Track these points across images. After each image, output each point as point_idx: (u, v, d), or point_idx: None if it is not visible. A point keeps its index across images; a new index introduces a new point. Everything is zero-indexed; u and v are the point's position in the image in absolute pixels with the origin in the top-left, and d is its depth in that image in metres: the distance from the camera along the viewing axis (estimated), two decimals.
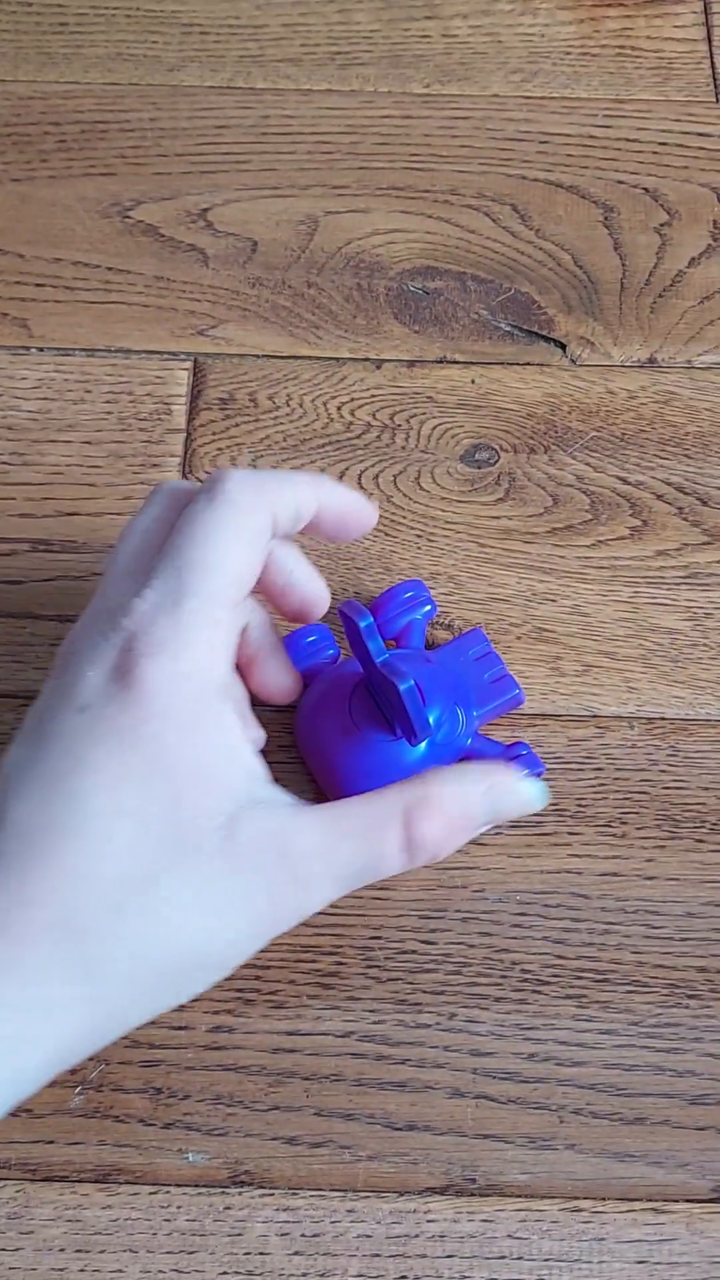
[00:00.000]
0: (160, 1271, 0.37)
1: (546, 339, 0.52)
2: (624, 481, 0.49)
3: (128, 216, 0.54)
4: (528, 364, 0.51)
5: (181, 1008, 0.40)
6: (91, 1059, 0.39)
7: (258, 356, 0.51)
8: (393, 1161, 0.38)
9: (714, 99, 0.57)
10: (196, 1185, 0.38)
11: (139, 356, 0.51)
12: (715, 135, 0.57)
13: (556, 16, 0.59)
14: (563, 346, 0.51)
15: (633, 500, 0.49)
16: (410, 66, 0.58)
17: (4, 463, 0.49)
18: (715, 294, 0.53)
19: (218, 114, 0.57)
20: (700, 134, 0.57)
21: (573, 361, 0.51)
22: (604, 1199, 0.38)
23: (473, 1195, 0.38)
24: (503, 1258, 0.37)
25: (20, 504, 0.48)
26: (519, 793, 0.35)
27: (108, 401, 0.50)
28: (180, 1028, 0.40)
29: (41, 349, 0.51)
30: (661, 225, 0.54)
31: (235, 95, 0.57)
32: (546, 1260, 0.37)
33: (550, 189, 0.55)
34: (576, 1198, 0.38)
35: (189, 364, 0.51)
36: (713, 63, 0.58)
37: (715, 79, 0.58)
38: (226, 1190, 0.38)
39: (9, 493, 0.48)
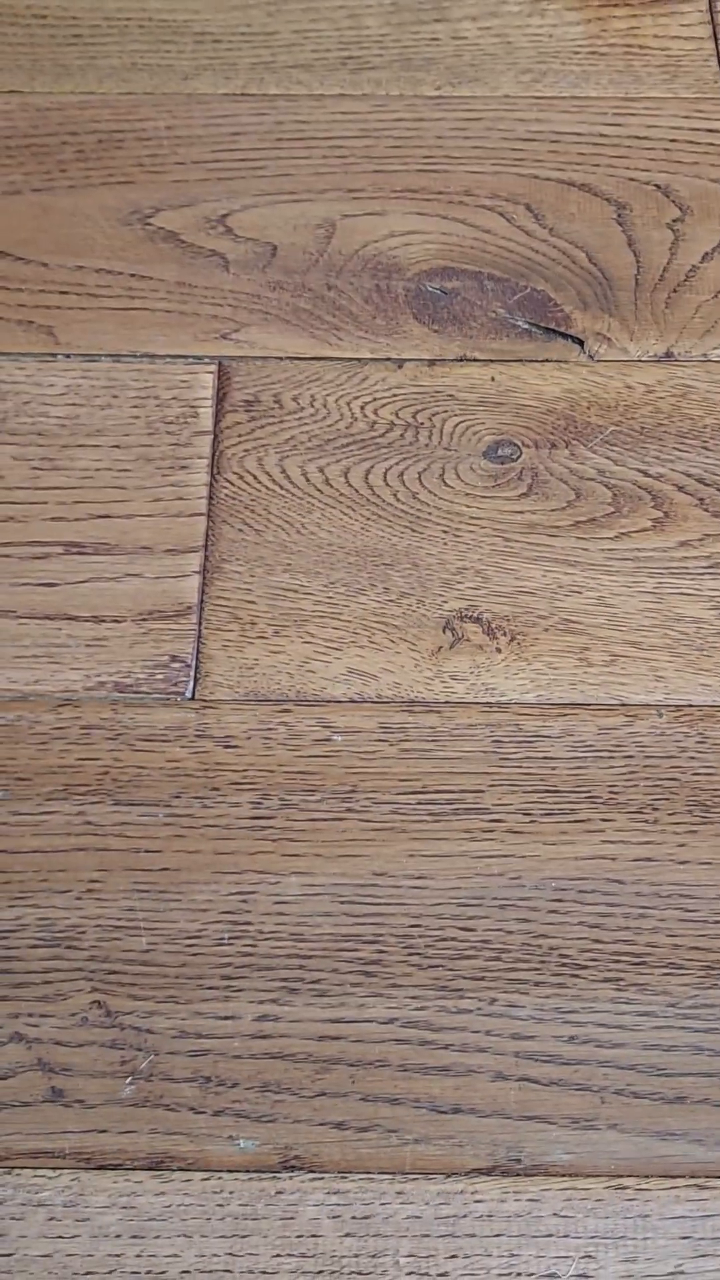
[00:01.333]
0: (215, 1256, 0.37)
1: (564, 335, 0.53)
2: (645, 474, 0.50)
3: (148, 224, 0.55)
4: (546, 360, 0.52)
5: (227, 998, 0.41)
6: (140, 1049, 0.40)
7: (280, 359, 0.52)
8: (439, 1144, 0.39)
9: None
10: (248, 1171, 0.39)
11: (164, 361, 0.52)
12: None
13: (564, 17, 0.60)
14: (580, 343, 0.52)
15: (654, 492, 0.49)
16: (421, 69, 0.59)
17: (35, 468, 0.50)
18: None
19: (232, 121, 0.58)
20: (710, 130, 0.58)
21: (590, 357, 0.52)
22: (647, 1176, 0.39)
23: (518, 1175, 0.39)
24: (549, 1236, 0.38)
25: (52, 508, 0.49)
26: None
27: (135, 406, 0.51)
28: (227, 1018, 0.40)
29: (68, 355, 0.52)
30: (674, 221, 0.55)
31: (249, 102, 0.58)
32: (592, 1238, 0.38)
33: (563, 187, 0.56)
34: (620, 1175, 0.39)
35: (213, 367, 0.52)
36: (719, 60, 0.59)
37: None
38: (277, 1175, 0.39)
39: (41, 497, 0.49)
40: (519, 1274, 0.38)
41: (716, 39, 0.60)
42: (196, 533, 0.48)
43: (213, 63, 0.59)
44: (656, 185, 0.56)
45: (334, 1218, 0.38)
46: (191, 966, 0.41)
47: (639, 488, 0.49)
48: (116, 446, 0.50)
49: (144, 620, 0.47)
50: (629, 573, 0.48)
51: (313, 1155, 0.39)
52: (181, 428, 0.50)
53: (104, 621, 0.47)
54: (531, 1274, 0.38)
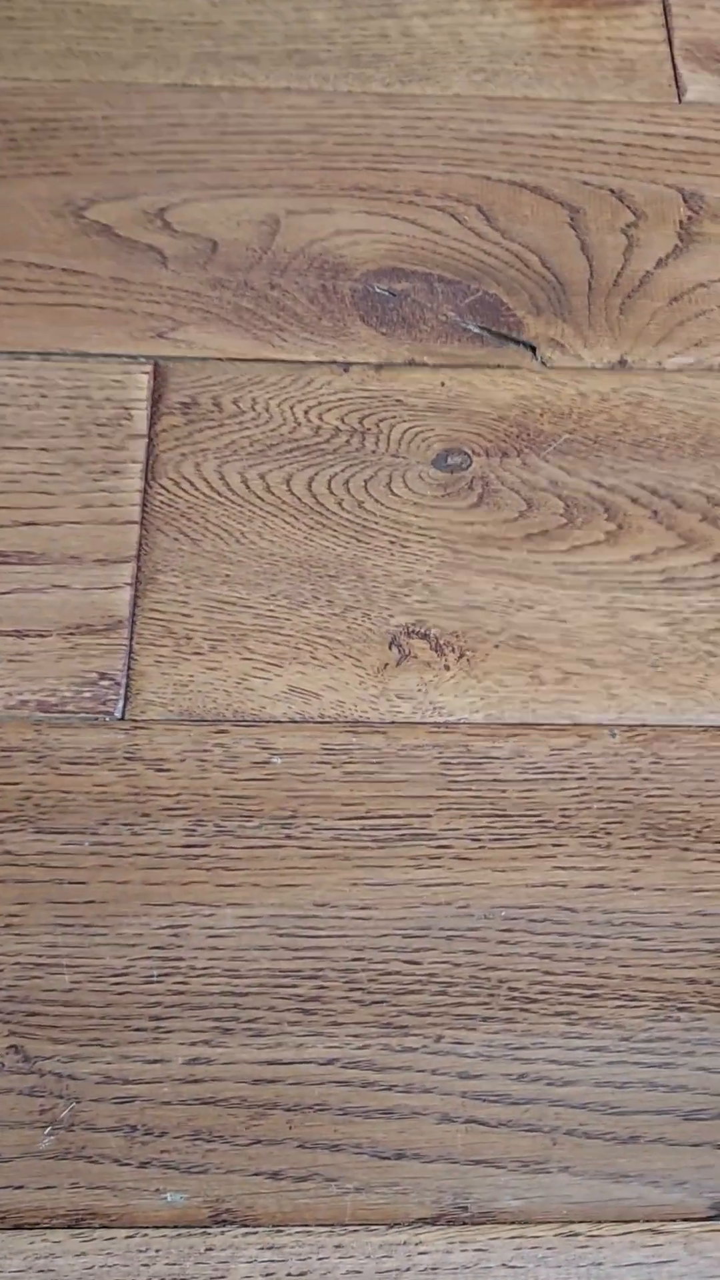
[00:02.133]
0: None
1: (516, 341, 0.51)
2: (598, 485, 0.48)
3: (82, 216, 0.52)
4: (498, 366, 0.50)
5: (156, 1040, 0.38)
6: (61, 1096, 0.37)
7: (221, 360, 0.50)
8: (381, 1192, 0.37)
9: (676, 100, 0.57)
10: (176, 1226, 0.36)
11: (97, 360, 0.49)
12: (679, 136, 0.56)
13: (517, 16, 0.58)
14: (533, 349, 0.51)
15: (607, 504, 0.48)
16: (370, 65, 0.57)
17: None
18: (684, 295, 0.52)
19: (173, 112, 0.55)
20: (664, 134, 0.56)
21: (543, 363, 0.50)
22: (600, 1221, 0.37)
23: (465, 1224, 0.37)
24: None
25: None
26: None
27: (64, 406, 0.48)
28: (155, 1061, 0.38)
29: None
30: (628, 226, 0.54)
31: (191, 93, 0.56)
32: None
33: (515, 189, 0.54)
34: (572, 1221, 0.37)
35: (149, 367, 0.49)
36: (674, 64, 0.58)
37: (677, 81, 0.57)
38: (208, 1230, 0.36)
39: None
40: None
41: (671, 43, 0.58)
42: (129, 542, 0.46)
43: (153, 52, 0.56)
44: (611, 190, 0.55)
45: (268, 1275, 0.36)
46: (118, 1006, 0.38)
47: (592, 499, 0.48)
48: (44, 449, 0.47)
49: (71, 635, 0.44)
50: (582, 587, 0.46)
51: (246, 1208, 0.36)
52: (114, 430, 0.48)
53: (28, 636, 0.44)
54: None
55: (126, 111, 0.55)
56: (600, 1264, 0.36)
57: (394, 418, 0.49)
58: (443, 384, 0.50)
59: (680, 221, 0.54)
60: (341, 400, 0.49)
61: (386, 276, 0.52)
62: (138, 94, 0.55)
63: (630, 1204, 0.37)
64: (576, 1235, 0.37)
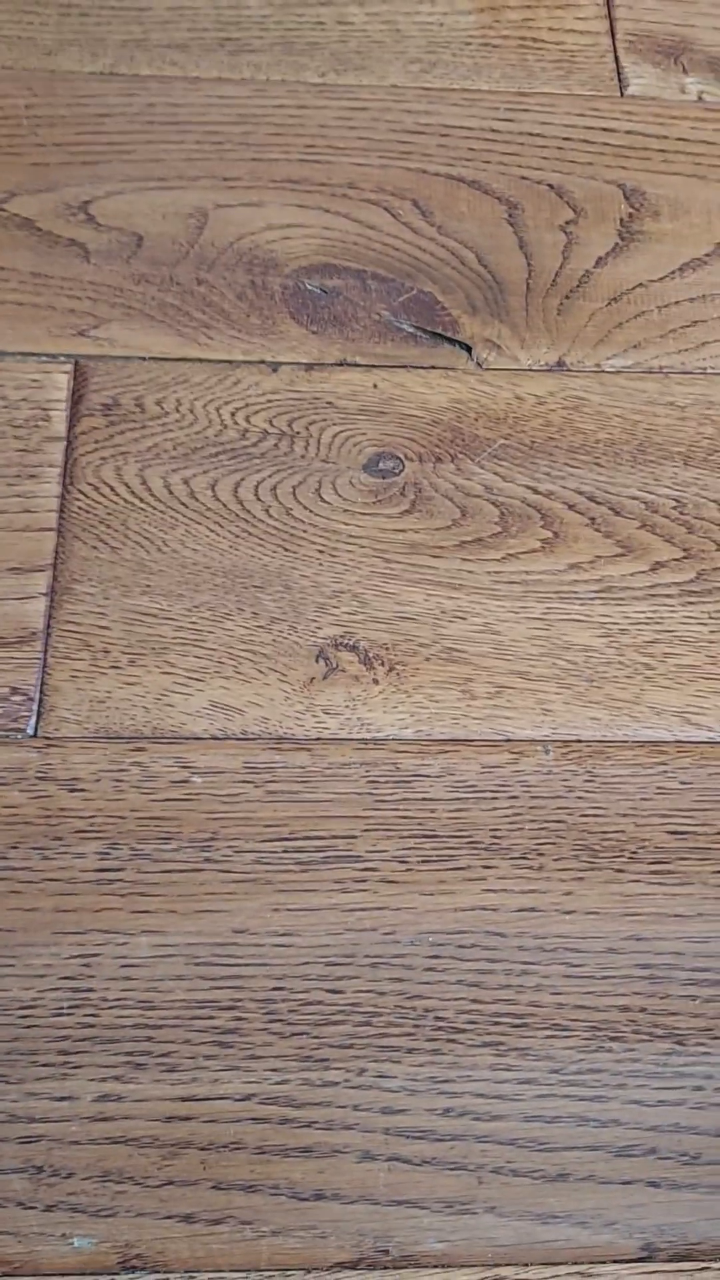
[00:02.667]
0: None
1: (451, 341, 0.49)
2: (534, 491, 0.46)
3: (1, 209, 0.50)
4: (432, 367, 0.48)
5: (64, 1076, 0.36)
6: None
7: (144, 359, 0.47)
8: (299, 1236, 0.35)
9: (618, 94, 0.55)
10: (83, 1274, 0.34)
11: (13, 358, 0.47)
12: (620, 131, 0.54)
13: (455, 5, 0.56)
14: (468, 349, 0.49)
15: (543, 511, 0.46)
16: (304, 54, 0.54)
17: None
18: (623, 295, 0.50)
19: (99, 101, 0.53)
20: (605, 129, 0.54)
21: (478, 365, 0.48)
22: (527, 1264, 0.35)
23: (386, 1268, 0.35)
24: None
25: None
26: None
27: None
28: (63, 1098, 0.36)
29: None
30: (567, 223, 0.52)
31: (118, 82, 0.53)
32: None
33: (452, 184, 0.52)
34: (498, 1265, 0.35)
35: (69, 366, 0.47)
36: (616, 57, 0.56)
37: (619, 73, 0.56)
38: (116, 1277, 0.34)
39: None
40: None
41: (614, 35, 0.57)
42: (44, 549, 0.44)
43: (79, 38, 0.54)
44: (550, 185, 0.53)
45: None
46: (25, 1041, 0.36)
47: (528, 505, 0.46)
48: None
49: None
50: (516, 597, 0.44)
51: (157, 1253, 0.34)
52: (31, 432, 0.45)
53: None
54: None
55: (50, 100, 0.52)
56: None
57: (324, 420, 0.47)
58: (375, 385, 0.48)
59: (621, 219, 0.52)
60: (270, 402, 0.47)
61: (318, 273, 0.50)
62: (62, 82, 0.53)
63: (559, 1245, 0.36)
64: (502, 1279, 0.35)
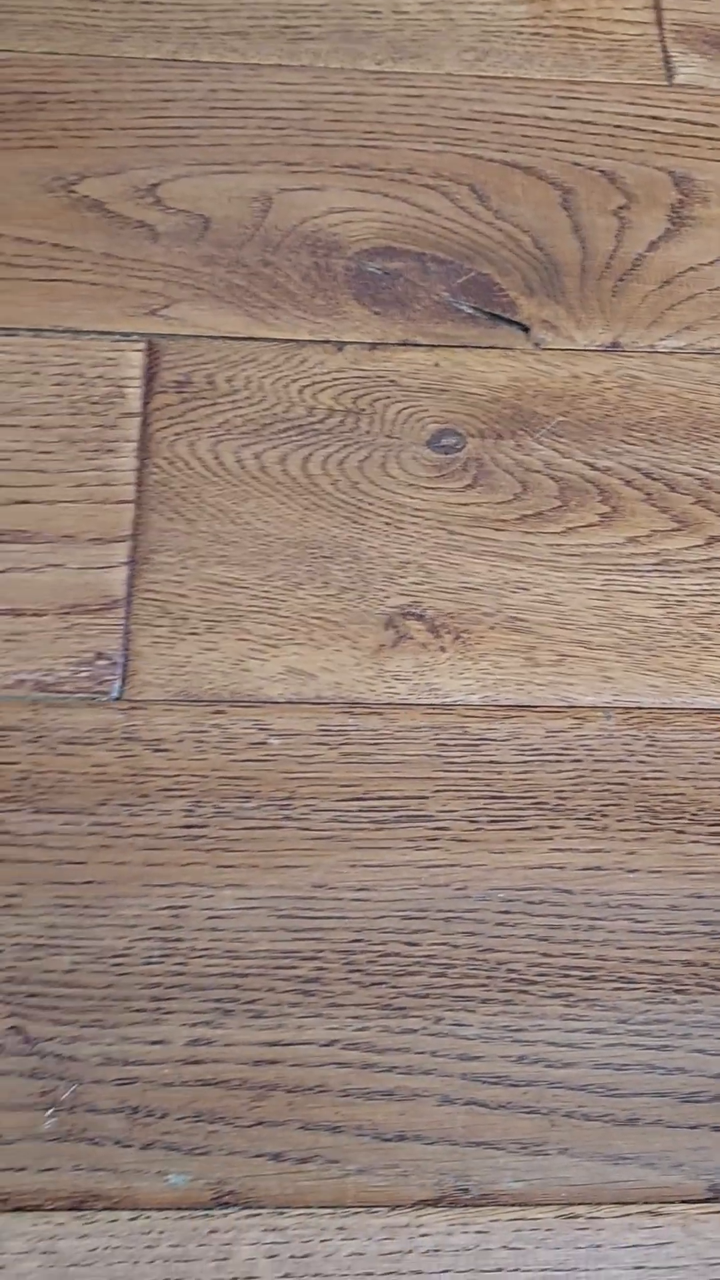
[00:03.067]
0: None
1: (509, 322, 0.50)
2: (592, 467, 0.48)
3: (72, 191, 0.51)
4: (491, 347, 0.49)
5: (157, 1021, 0.37)
6: (62, 1078, 0.36)
7: (214, 338, 0.48)
8: (383, 1174, 0.36)
9: (666, 82, 0.56)
10: (179, 1209, 0.35)
11: (89, 337, 0.48)
12: (669, 119, 0.55)
13: None
14: (526, 329, 0.50)
15: (601, 486, 0.47)
16: (361, 42, 0.56)
17: None
18: (675, 278, 0.52)
19: (163, 87, 0.54)
20: (654, 117, 0.55)
21: (536, 345, 0.50)
22: (599, 1204, 0.37)
23: (466, 1206, 0.36)
24: (499, 1270, 0.36)
25: None
26: None
27: (57, 384, 0.47)
28: (156, 1042, 0.37)
29: None
30: (620, 208, 0.53)
31: (181, 68, 0.54)
32: (543, 1271, 0.36)
33: (507, 169, 0.54)
34: (572, 1204, 0.37)
35: (142, 345, 0.48)
36: (664, 46, 0.57)
37: (667, 62, 0.57)
38: (211, 1212, 0.35)
39: None
40: None
41: (661, 25, 0.58)
42: (123, 521, 0.45)
43: (143, 25, 0.55)
44: (602, 171, 0.54)
45: (271, 1257, 0.35)
46: (118, 987, 0.38)
47: (586, 481, 0.47)
48: (37, 427, 0.46)
49: (67, 614, 0.43)
50: (576, 569, 0.46)
51: (248, 1190, 0.36)
52: (107, 408, 0.47)
53: (23, 615, 0.43)
54: None
55: (116, 85, 0.54)
56: (599, 1246, 0.36)
57: (388, 398, 0.48)
58: (436, 364, 0.49)
59: (671, 205, 0.53)
60: (335, 380, 0.48)
61: (379, 255, 0.51)
62: (127, 68, 0.54)
63: (628, 1186, 0.37)
64: (576, 1217, 0.37)
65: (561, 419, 0.48)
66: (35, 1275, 0.34)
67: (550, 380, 0.49)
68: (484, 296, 0.50)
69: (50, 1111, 0.36)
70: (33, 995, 0.37)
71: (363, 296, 0.50)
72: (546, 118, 0.55)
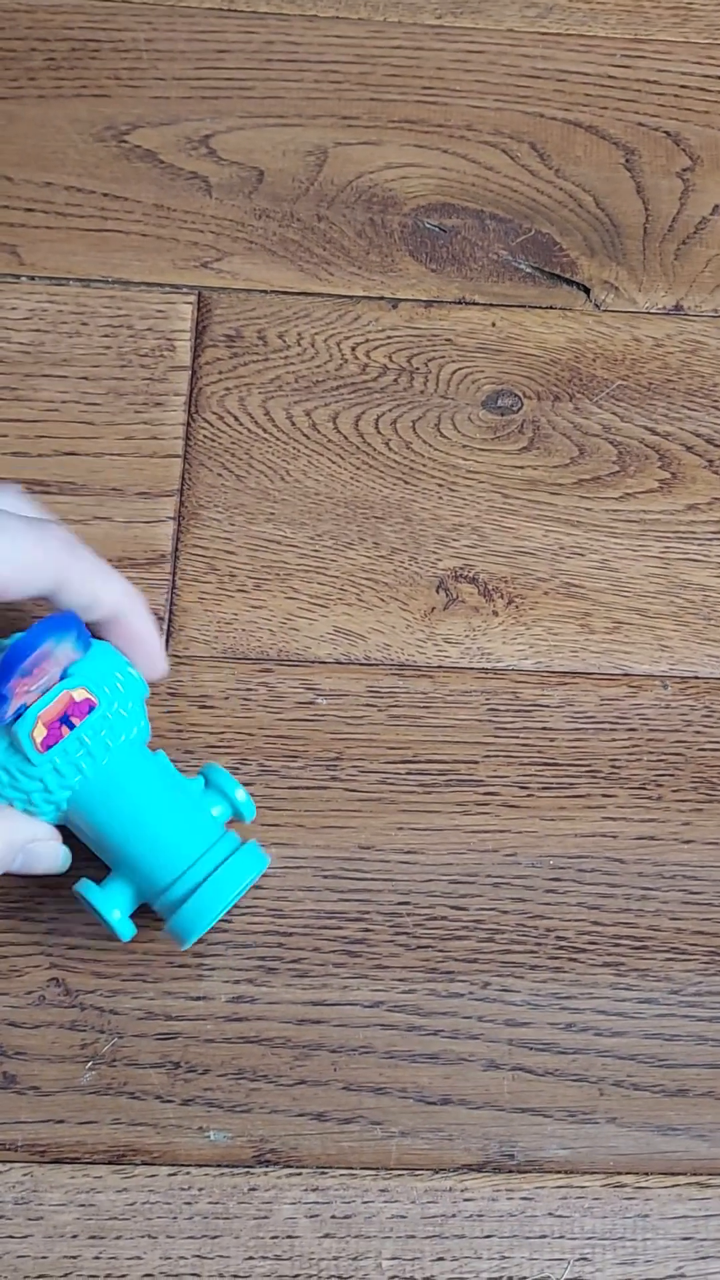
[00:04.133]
0: (181, 1258, 0.35)
1: (569, 282, 0.51)
2: (652, 432, 0.48)
3: (124, 140, 0.52)
4: (550, 307, 0.50)
5: (199, 977, 0.38)
6: (103, 1031, 0.37)
7: (266, 292, 0.49)
8: (426, 1137, 0.37)
9: None
10: (219, 1165, 0.36)
11: (139, 288, 0.49)
12: None
13: None
14: (586, 290, 0.50)
15: (661, 452, 0.48)
16: None
17: None
18: None
19: (218, 37, 0.55)
20: None
21: (596, 306, 0.50)
22: (647, 1174, 0.37)
23: (511, 1172, 0.37)
24: (543, 1237, 0.36)
25: (13, 441, 0.46)
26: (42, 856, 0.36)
27: (106, 335, 0.48)
28: (199, 998, 0.38)
29: (33, 277, 0.49)
30: (684, 170, 0.54)
31: (237, 18, 0.55)
32: (589, 1239, 0.36)
33: (569, 128, 0.54)
34: (619, 1173, 0.37)
35: (193, 298, 0.49)
36: None
37: None
38: (251, 1170, 0.36)
39: (1, 429, 0.46)
40: (510, 1278, 0.36)
41: None
42: (171, 475, 0.46)
43: None
44: (666, 132, 0.54)
45: (312, 1217, 0.36)
46: (160, 942, 0.38)
47: (646, 446, 0.48)
48: (85, 378, 0.47)
49: (114, 567, 0.44)
50: (634, 535, 0.46)
51: (289, 1149, 0.37)
52: (157, 361, 0.48)
53: None
54: (524, 1277, 0.36)
55: (169, 34, 0.54)
56: (646, 1216, 0.37)
57: (443, 357, 0.49)
58: (493, 324, 0.50)
59: None
60: (389, 338, 0.49)
61: (437, 212, 0.52)
62: (181, 17, 0.55)
63: (677, 1156, 0.38)
64: (623, 1186, 0.37)
65: (621, 383, 0.49)
66: (73, 1227, 0.35)
67: (610, 343, 0.50)
68: (544, 256, 0.51)
69: (90, 1064, 0.37)
70: (74, 948, 0.38)
71: (419, 253, 0.51)
72: (610, 76, 0.56)
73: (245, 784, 0.41)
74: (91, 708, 0.35)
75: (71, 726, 0.35)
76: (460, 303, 0.50)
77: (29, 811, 0.35)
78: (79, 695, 0.35)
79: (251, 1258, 0.35)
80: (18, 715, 0.34)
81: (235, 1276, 0.35)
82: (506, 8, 0.57)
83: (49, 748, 0.35)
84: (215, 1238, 0.35)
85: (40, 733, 0.34)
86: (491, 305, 0.50)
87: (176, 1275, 0.35)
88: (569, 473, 0.47)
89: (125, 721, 0.36)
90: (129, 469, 0.46)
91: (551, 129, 0.54)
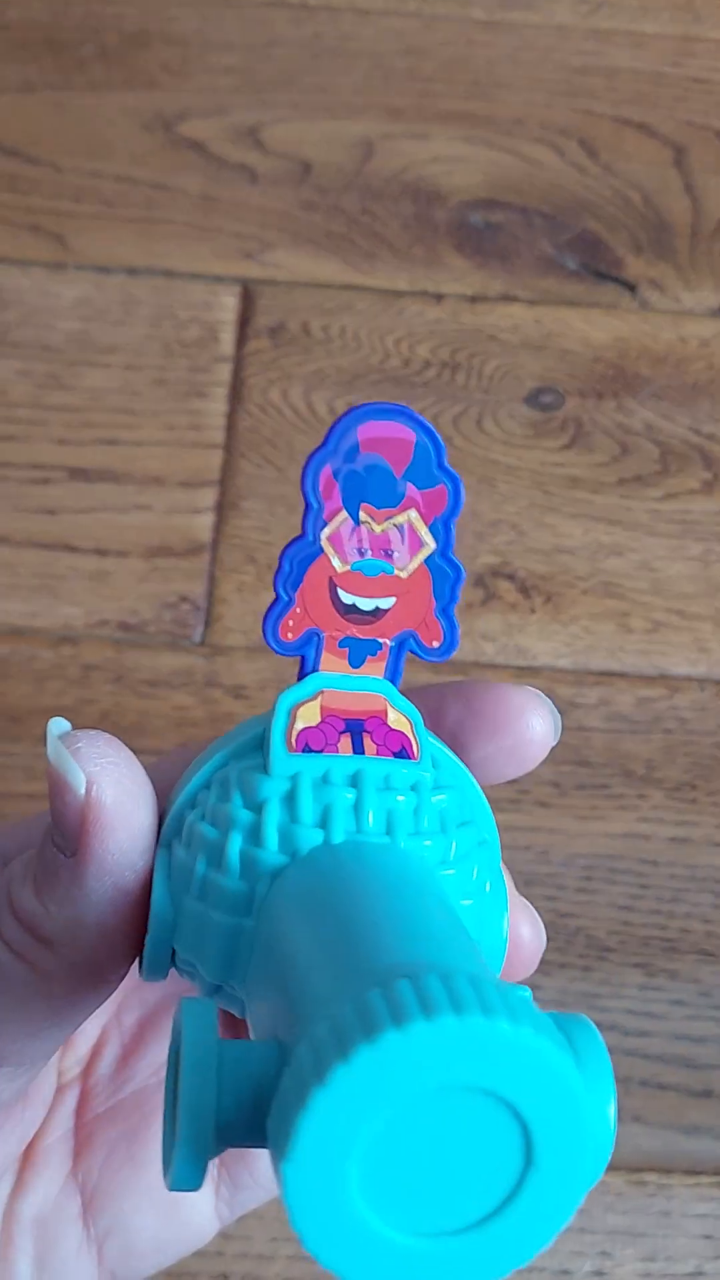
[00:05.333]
0: None
1: (615, 280, 0.52)
2: (696, 433, 0.49)
3: (172, 130, 0.53)
4: (595, 305, 0.51)
5: None
6: None
7: (309, 284, 0.51)
8: None
9: None
10: None
11: (184, 279, 0.51)
12: None
13: None
14: (632, 288, 0.52)
15: (704, 452, 0.49)
16: None
17: (39, 385, 0.48)
18: None
19: (267, 29, 0.56)
20: None
21: (642, 305, 0.51)
22: (670, 1170, 0.38)
23: None
24: (565, 1230, 0.38)
25: (57, 429, 0.48)
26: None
27: (150, 325, 0.50)
28: None
29: (79, 266, 0.50)
30: None
31: (286, 10, 0.57)
32: (611, 1233, 0.38)
33: (618, 125, 0.55)
34: (643, 1169, 0.38)
35: (237, 289, 0.50)
36: None
37: None
38: None
39: (44, 417, 0.48)
40: (531, 1270, 0.37)
41: None
42: (212, 466, 0.47)
43: None
44: (716, 131, 0.56)
45: None
46: None
47: (689, 446, 0.49)
48: (128, 367, 0.49)
49: (152, 556, 0.46)
50: (675, 536, 0.47)
51: None
52: (200, 351, 0.49)
53: (108, 555, 0.46)
54: (544, 1269, 0.37)
55: (219, 26, 0.56)
56: (668, 1213, 0.38)
57: (486, 352, 0.50)
58: (537, 320, 0.51)
59: None
60: (432, 332, 0.50)
61: (483, 207, 0.53)
62: (231, 8, 0.56)
63: (700, 1156, 0.39)
64: (645, 1184, 0.38)
65: (665, 382, 0.50)
66: None
67: (655, 342, 0.51)
68: (590, 253, 0.52)
69: None
70: None
71: (464, 248, 0.52)
72: (661, 74, 0.57)
73: None
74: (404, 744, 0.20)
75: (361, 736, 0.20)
76: (504, 298, 0.51)
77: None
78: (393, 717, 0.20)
79: (276, 1239, 0.37)
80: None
81: (260, 1257, 0.36)
82: (557, 3, 0.58)
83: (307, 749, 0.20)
84: (239, 1219, 0.37)
85: (309, 716, 0.19)
86: (536, 301, 0.51)
87: (201, 1253, 0.36)
88: (610, 471, 0.48)
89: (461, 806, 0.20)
90: (170, 458, 0.47)
91: (600, 125, 0.55)
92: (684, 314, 0.51)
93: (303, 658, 0.20)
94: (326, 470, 0.20)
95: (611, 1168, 0.39)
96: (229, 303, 0.50)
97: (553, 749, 0.23)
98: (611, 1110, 0.17)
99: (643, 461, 0.49)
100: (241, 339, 0.50)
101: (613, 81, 0.57)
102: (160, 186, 0.52)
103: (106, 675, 0.44)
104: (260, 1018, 0.18)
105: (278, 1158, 0.15)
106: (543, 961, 0.41)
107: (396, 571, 0.20)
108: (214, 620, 0.45)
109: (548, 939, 0.41)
